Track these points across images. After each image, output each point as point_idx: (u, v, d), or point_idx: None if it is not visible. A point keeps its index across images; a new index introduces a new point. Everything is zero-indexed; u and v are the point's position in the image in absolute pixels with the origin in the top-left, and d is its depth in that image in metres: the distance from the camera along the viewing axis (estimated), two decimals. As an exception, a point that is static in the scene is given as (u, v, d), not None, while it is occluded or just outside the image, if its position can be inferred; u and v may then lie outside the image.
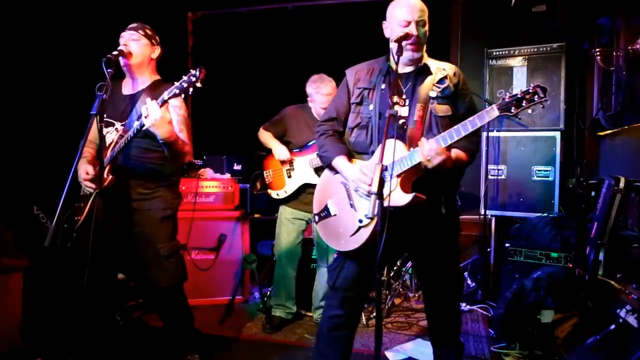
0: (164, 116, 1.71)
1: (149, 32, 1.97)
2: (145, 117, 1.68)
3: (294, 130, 2.64)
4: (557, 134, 3.04)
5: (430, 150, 1.43)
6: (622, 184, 2.17)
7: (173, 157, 1.87)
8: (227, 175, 3.29)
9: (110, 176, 1.84)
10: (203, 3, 4.17)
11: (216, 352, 2.32)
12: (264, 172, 2.73)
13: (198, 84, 1.65)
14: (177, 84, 1.69)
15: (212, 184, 3.13)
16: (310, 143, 2.58)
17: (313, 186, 2.54)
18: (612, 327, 1.73)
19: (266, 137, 2.68)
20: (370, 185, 1.52)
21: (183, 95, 1.69)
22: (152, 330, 2.62)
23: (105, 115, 1.94)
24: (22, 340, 2.12)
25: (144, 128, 1.74)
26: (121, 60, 1.90)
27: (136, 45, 1.92)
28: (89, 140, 2.02)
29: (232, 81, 4.06)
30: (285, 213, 2.70)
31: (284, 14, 3.99)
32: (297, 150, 2.65)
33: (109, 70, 1.66)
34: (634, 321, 1.66)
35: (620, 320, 1.72)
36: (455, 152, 1.55)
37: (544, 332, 2.17)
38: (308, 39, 3.92)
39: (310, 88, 2.59)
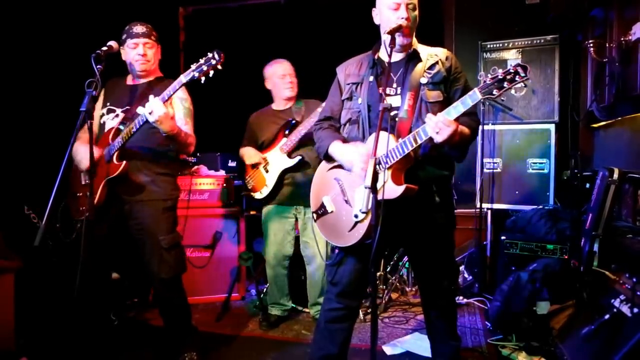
0: (167, 112, 1.76)
1: (155, 34, 2.03)
2: (150, 113, 1.72)
3: (260, 130, 2.68)
4: (552, 126, 3.04)
5: (438, 122, 1.40)
6: (616, 175, 2.18)
7: (177, 148, 1.97)
8: (222, 172, 3.26)
9: (124, 162, 1.86)
10: (194, -2, 4.13)
11: (213, 349, 2.30)
12: (245, 178, 2.72)
13: (219, 67, 1.66)
14: (194, 67, 1.70)
15: (207, 180, 3.10)
16: (277, 134, 2.60)
17: (291, 171, 2.54)
18: (607, 316, 1.74)
19: (242, 151, 2.71)
20: (365, 164, 1.50)
21: (203, 79, 1.70)
22: (148, 329, 2.61)
23: (108, 103, 2.02)
24: (15, 342, 2.10)
25: (146, 124, 1.78)
26: (137, 66, 1.96)
27: (151, 52, 2.00)
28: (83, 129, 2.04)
29: (225, 77, 4.01)
30: (269, 212, 2.66)
31: (276, 8, 3.96)
32: (267, 146, 2.64)
33: (98, 67, 1.64)
34: (627, 310, 1.68)
35: (615, 310, 1.73)
36: (459, 127, 1.52)
37: (539, 324, 2.18)
38: (300, 34, 3.89)
39: (265, 71, 2.70)
